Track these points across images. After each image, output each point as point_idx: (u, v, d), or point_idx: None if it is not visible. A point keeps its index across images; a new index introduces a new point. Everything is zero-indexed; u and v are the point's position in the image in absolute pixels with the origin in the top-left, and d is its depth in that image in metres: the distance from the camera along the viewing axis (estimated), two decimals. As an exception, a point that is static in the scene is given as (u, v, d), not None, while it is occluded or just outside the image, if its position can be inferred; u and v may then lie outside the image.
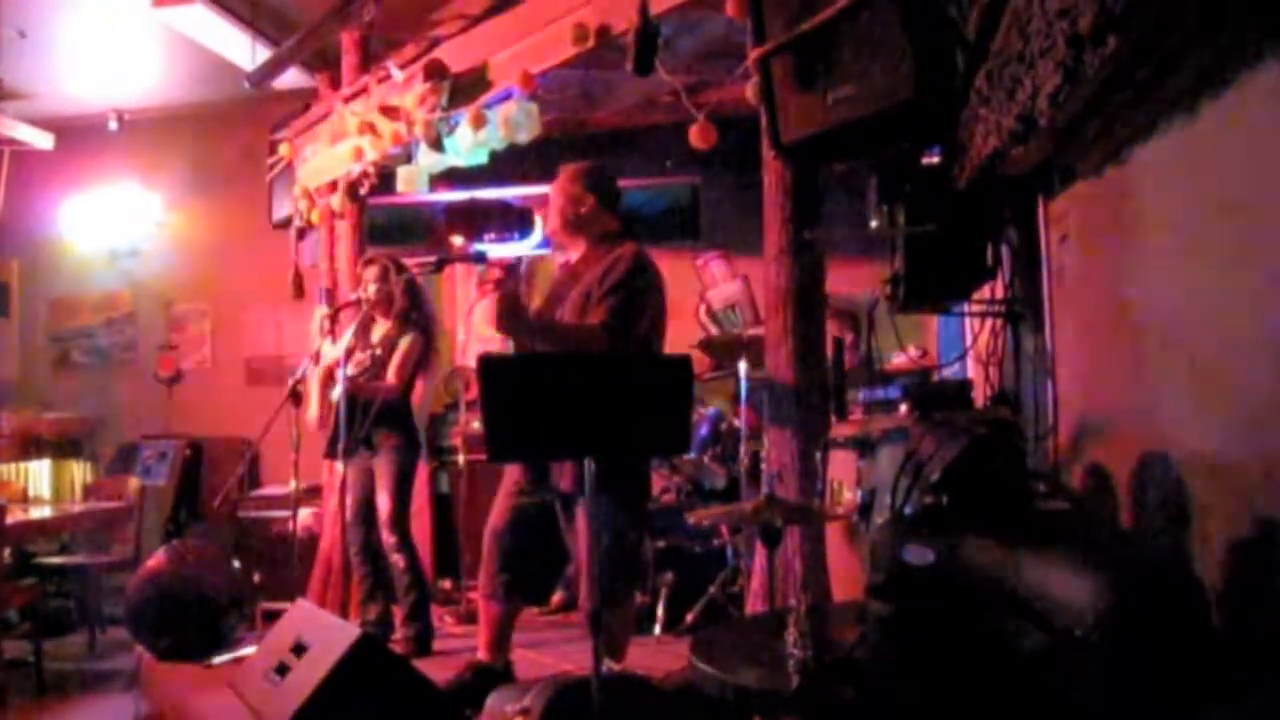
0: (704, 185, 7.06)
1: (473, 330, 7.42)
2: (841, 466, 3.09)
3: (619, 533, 3.58)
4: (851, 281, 4.79)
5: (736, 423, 5.15)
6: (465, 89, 4.90)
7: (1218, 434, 1.82)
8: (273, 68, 6.11)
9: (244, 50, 6.14)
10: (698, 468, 5.38)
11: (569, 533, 3.76)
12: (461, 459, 6.11)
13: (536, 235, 6.95)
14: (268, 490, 6.64)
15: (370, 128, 5.36)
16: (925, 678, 1.75)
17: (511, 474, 3.84)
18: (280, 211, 6.87)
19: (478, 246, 6.50)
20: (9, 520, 5.07)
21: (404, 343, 4.96)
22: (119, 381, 8.12)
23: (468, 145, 4.86)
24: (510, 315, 3.54)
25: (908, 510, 2.11)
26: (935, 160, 3.11)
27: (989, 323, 3.33)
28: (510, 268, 3.77)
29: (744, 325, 6.94)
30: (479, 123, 4.71)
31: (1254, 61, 1.56)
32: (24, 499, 6.53)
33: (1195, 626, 1.49)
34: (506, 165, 5.69)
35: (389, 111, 5.19)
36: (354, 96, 5.68)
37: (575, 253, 3.89)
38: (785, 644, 1.89)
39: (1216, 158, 1.76)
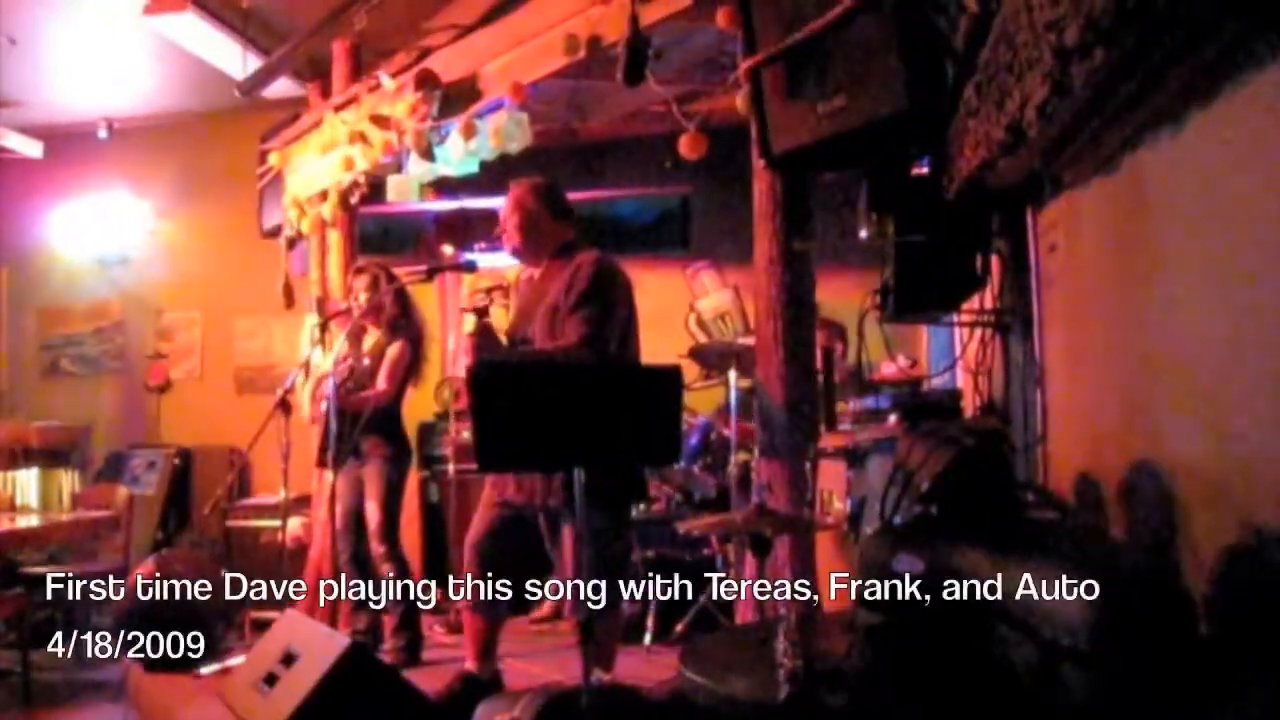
0: (694, 195, 7.07)
1: (463, 340, 7.41)
2: (831, 476, 3.11)
3: (603, 541, 3.58)
4: (841, 291, 4.80)
5: (726, 432, 5.15)
6: (456, 99, 4.90)
7: (1205, 443, 1.82)
8: (263, 76, 6.10)
9: (235, 59, 6.14)
10: (688, 477, 5.38)
11: (552, 542, 3.76)
12: (451, 468, 6.11)
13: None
14: (257, 499, 6.63)
15: (361, 137, 5.37)
16: (914, 688, 1.76)
17: (495, 486, 3.84)
18: (270, 220, 6.87)
19: (468, 256, 6.51)
20: (-4, 529, 5.04)
21: (393, 350, 4.96)
22: (108, 390, 8.09)
23: (458, 155, 4.87)
24: (487, 353, 3.58)
25: (897, 520, 2.11)
26: (925, 171, 3.12)
27: (978, 333, 3.34)
28: (481, 310, 3.83)
29: (734, 335, 6.96)
30: (470, 132, 4.72)
31: (1241, 72, 1.57)
32: (11, 508, 6.50)
33: (1183, 636, 1.49)
34: (497, 175, 5.68)
35: (380, 121, 5.20)
36: (345, 106, 5.68)
37: (536, 269, 3.90)
38: (775, 653, 1.89)
39: (1203, 168, 1.78)
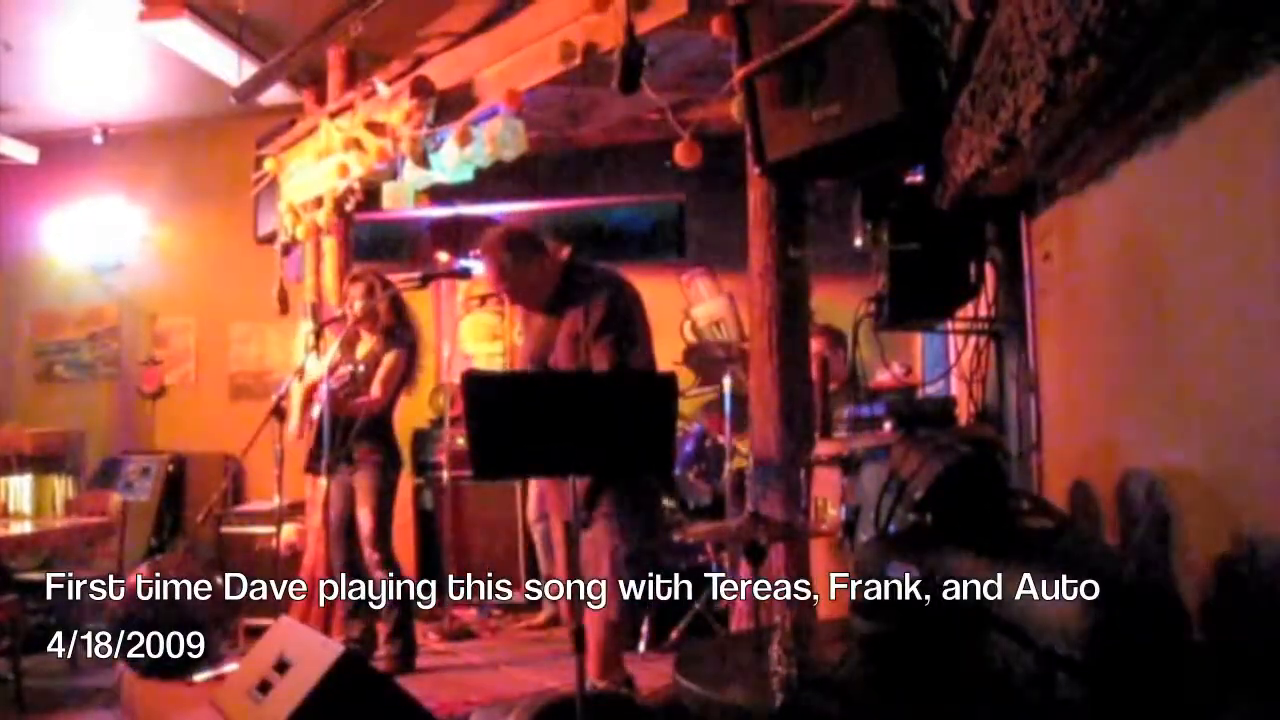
0: (689, 202, 7.08)
1: (458, 346, 7.41)
2: (826, 484, 3.10)
3: (635, 540, 3.61)
4: (838, 298, 4.80)
5: (721, 439, 5.16)
6: (451, 105, 4.90)
7: (1198, 451, 1.83)
8: (259, 83, 6.10)
9: (230, 65, 6.14)
10: (682, 484, 5.38)
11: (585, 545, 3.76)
12: (446, 475, 6.10)
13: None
14: (251, 506, 6.61)
15: (356, 144, 5.36)
16: (909, 696, 1.76)
17: (537, 502, 3.85)
18: (265, 227, 6.86)
19: (462, 262, 6.50)
20: (-11, 536, 5.03)
21: (388, 358, 4.95)
22: (102, 396, 8.08)
23: (453, 162, 4.86)
24: None
25: (892, 528, 2.11)
26: (919, 179, 3.13)
27: (972, 340, 3.34)
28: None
29: (729, 342, 6.96)
30: (465, 139, 4.72)
31: (1234, 81, 1.58)
32: (4, 514, 6.48)
33: (1176, 644, 1.49)
34: (492, 182, 5.69)
35: (375, 128, 5.20)
36: (340, 112, 5.68)
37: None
38: (770, 661, 1.89)
39: (1197, 176, 1.78)
